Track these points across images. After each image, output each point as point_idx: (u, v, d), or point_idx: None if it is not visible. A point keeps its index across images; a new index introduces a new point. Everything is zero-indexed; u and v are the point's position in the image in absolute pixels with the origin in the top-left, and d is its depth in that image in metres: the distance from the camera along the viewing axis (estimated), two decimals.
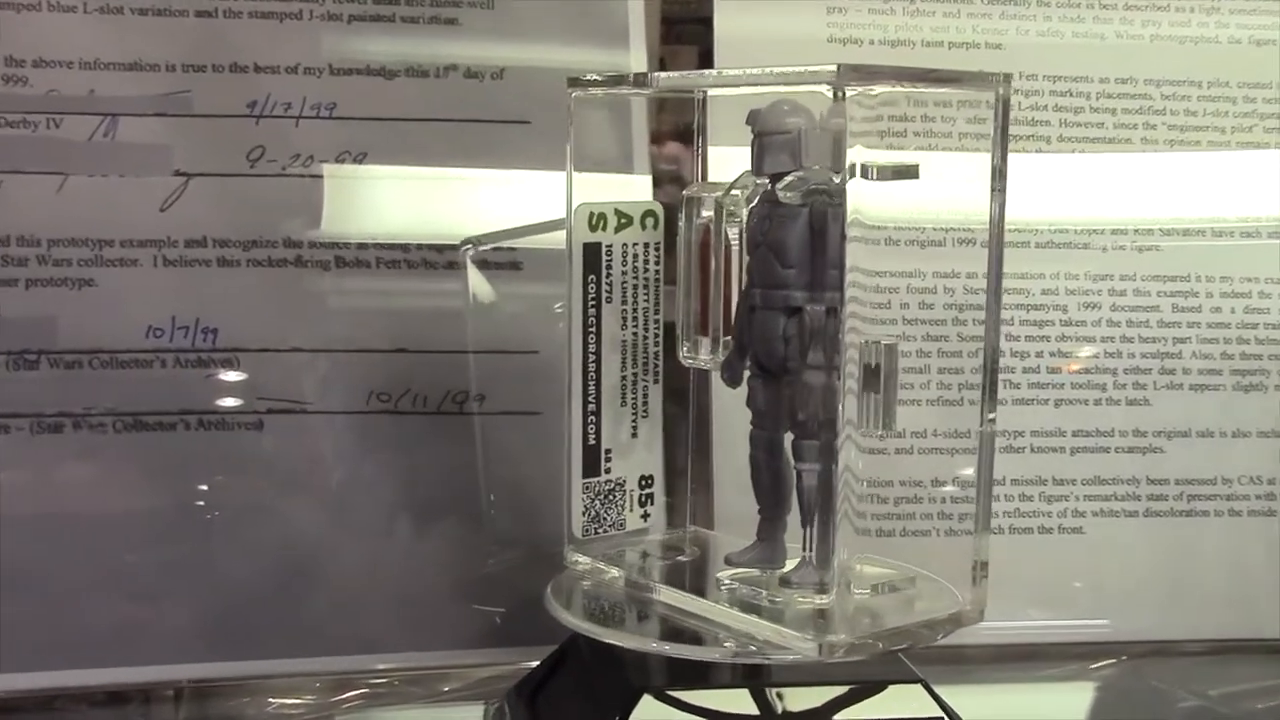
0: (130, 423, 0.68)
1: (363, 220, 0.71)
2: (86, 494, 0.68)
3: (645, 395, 0.61)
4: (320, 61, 0.70)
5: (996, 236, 0.54)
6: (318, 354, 0.70)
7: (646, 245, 0.60)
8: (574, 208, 0.59)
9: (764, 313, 0.55)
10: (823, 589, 0.53)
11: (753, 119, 0.54)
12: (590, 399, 0.60)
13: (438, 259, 0.71)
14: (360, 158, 0.71)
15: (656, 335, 0.61)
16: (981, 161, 0.68)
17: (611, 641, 0.55)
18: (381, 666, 0.71)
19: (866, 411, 0.51)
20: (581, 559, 0.61)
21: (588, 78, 0.60)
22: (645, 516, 0.62)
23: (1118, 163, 0.76)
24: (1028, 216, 0.74)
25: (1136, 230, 0.76)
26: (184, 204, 0.69)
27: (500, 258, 0.72)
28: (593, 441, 0.60)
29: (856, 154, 0.49)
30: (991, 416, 0.55)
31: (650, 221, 0.60)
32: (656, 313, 0.61)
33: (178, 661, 0.69)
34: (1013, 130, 0.68)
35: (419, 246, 0.71)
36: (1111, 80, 0.76)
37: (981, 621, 0.55)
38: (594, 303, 0.60)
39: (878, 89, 0.50)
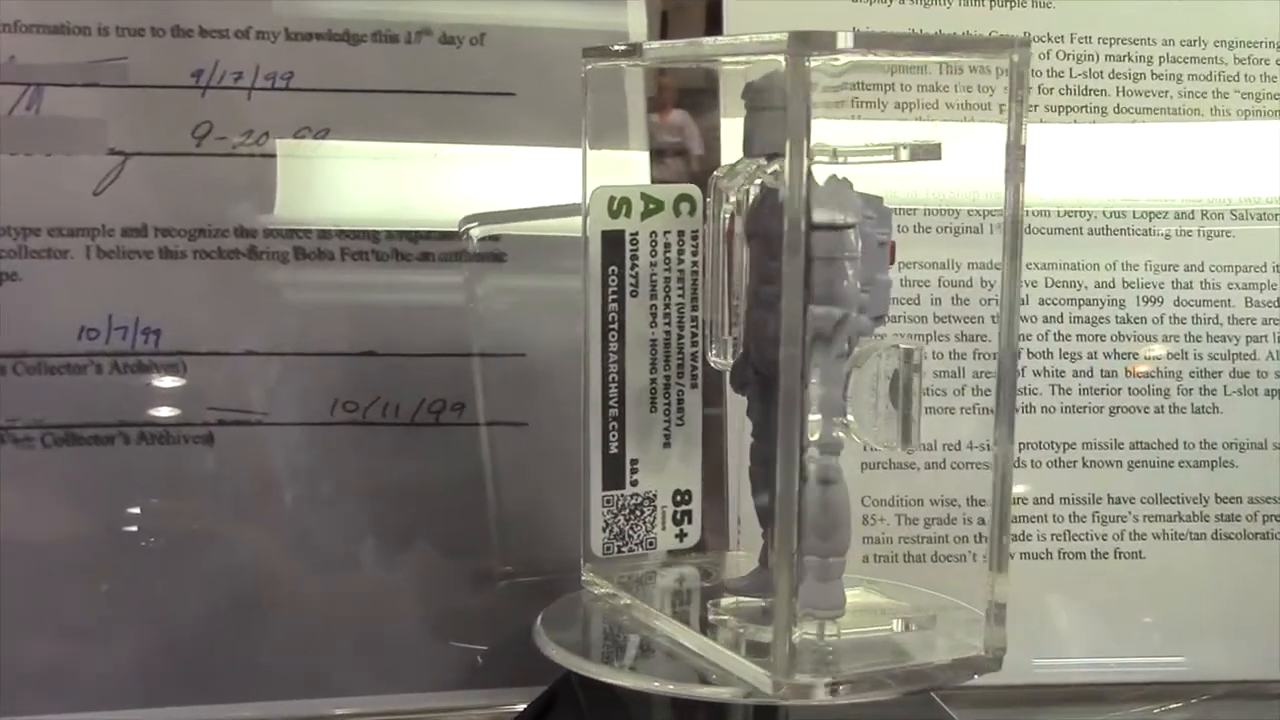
0: (61, 436, 0.66)
1: (325, 205, 0.68)
2: (11, 518, 0.65)
3: (680, 401, 0.59)
4: (275, 25, 0.67)
5: (1013, 224, 0.51)
6: (274, 358, 0.68)
7: (681, 234, 0.58)
8: (591, 191, 0.57)
9: (758, 311, 0.53)
10: (771, 620, 0.49)
11: (746, 92, 0.53)
12: (611, 403, 0.58)
13: (410, 249, 0.69)
14: (321, 134, 0.68)
15: (694, 335, 0.59)
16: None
17: (604, 679, 0.53)
18: (343, 711, 0.68)
19: (887, 425, 0.51)
20: (598, 581, 0.59)
21: (611, 47, 0.58)
22: (681, 536, 0.60)
23: (1184, 136, 0.72)
24: (1081, 198, 0.71)
25: (1205, 213, 0.72)
26: (121, 187, 0.66)
27: (481, 249, 0.69)
28: (615, 451, 0.58)
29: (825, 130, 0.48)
30: (1007, 434, 0.52)
31: (685, 207, 0.58)
32: (694, 310, 0.59)
33: (114, 708, 0.66)
34: (1064, 100, 0.70)
35: (389, 235, 0.68)
36: (1176, 42, 0.72)
37: (999, 669, 0.52)
38: (615, 296, 0.58)
39: (843, 58, 0.48)
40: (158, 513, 0.67)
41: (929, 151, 0.50)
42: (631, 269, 0.58)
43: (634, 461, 0.58)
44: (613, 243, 0.57)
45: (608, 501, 0.58)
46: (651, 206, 0.57)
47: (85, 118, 0.66)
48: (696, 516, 0.60)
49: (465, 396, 0.68)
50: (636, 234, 0.57)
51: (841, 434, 0.51)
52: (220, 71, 0.66)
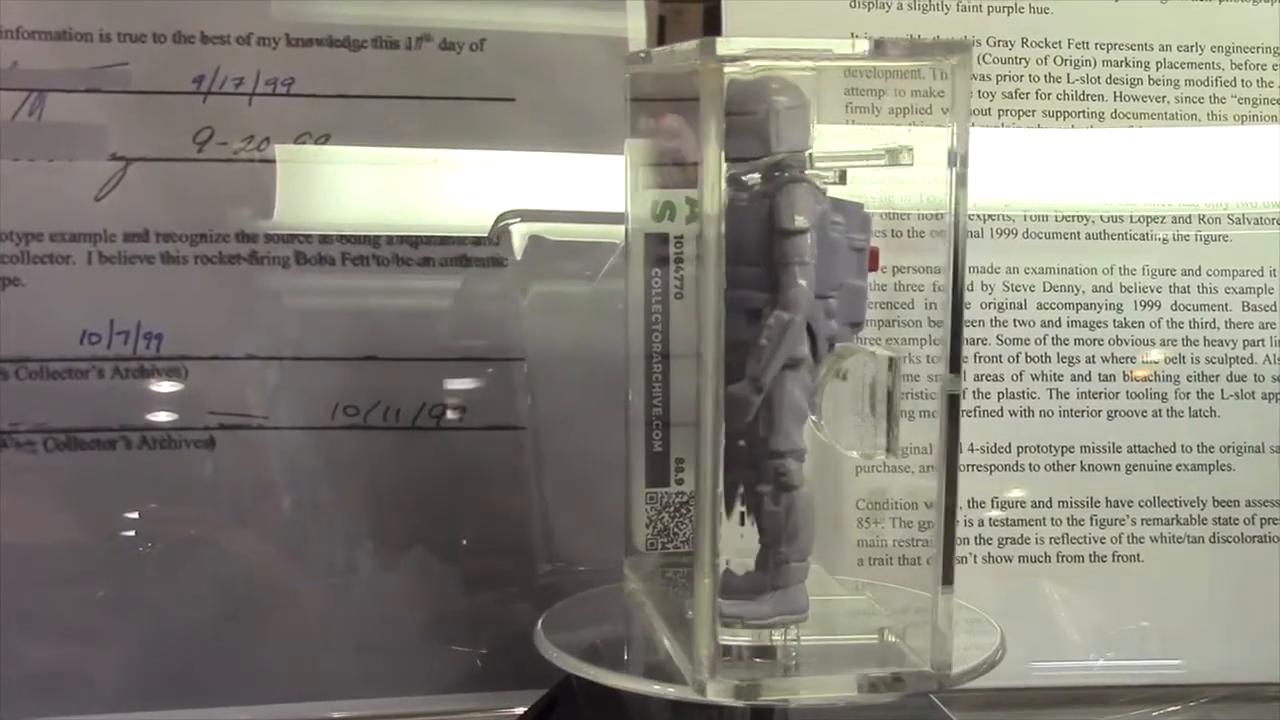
0: (63, 441, 0.66)
1: (325, 210, 0.68)
2: (12, 522, 0.65)
3: None
4: (276, 30, 0.67)
5: (956, 231, 0.50)
6: (275, 362, 0.67)
7: None
8: (633, 195, 0.58)
9: (730, 316, 0.51)
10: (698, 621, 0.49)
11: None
12: (655, 402, 0.58)
13: (411, 254, 0.68)
14: (322, 139, 0.67)
15: None
16: (1022, 139, 0.71)
17: (601, 681, 0.52)
18: (341, 714, 0.68)
19: (867, 432, 0.50)
20: (631, 577, 0.59)
21: (640, 53, 0.59)
22: None
23: (1181, 141, 0.72)
24: (1078, 203, 0.71)
25: (1202, 218, 0.72)
26: (122, 192, 0.66)
27: (481, 253, 0.69)
28: (659, 449, 0.58)
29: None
30: (951, 441, 0.51)
31: None
32: None
33: (114, 710, 0.66)
34: (1062, 106, 0.70)
35: (390, 240, 0.68)
36: (1174, 48, 0.71)
37: (949, 686, 0.51)
38: (659, 298, 0.58)
39: (754, 63, 0.49)
40: (159, 516, 0.66)
41: (898, 156, 0.50)
42: (676, 271, 0.57)
43: (679, 461, 0.58)
44: (656, 245, 0.57)
45: (651, 498, 0.58)
46: (698, 210, 0.57)
47: (87, 123, 0.65)
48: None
49: (466, 400, 0.68)
50: (681, 237, 0.57)
51: (808, 439, 0.50)
52: (221, 77, 0.66)
